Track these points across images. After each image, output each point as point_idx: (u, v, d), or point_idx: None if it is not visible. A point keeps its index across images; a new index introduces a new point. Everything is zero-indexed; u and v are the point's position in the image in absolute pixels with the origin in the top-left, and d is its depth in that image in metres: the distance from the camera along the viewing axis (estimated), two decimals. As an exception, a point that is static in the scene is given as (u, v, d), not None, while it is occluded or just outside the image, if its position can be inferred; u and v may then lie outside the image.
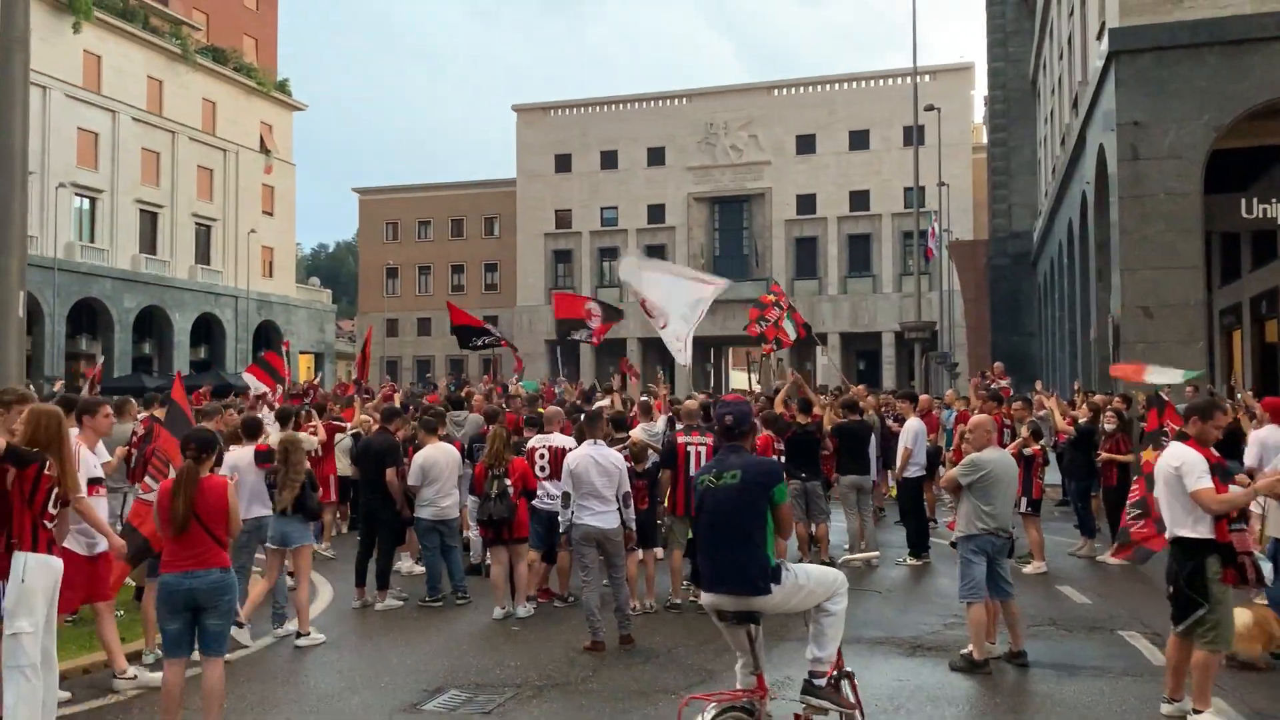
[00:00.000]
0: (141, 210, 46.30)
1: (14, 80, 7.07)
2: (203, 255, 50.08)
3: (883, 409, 14.02)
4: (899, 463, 11.30)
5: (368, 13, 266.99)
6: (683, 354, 12.01)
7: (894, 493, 13.32)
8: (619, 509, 7.91)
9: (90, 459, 6.74)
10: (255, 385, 15.33)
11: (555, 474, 8.96)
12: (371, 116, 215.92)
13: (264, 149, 53.77)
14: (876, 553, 9.57)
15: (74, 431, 7.65)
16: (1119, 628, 8.21)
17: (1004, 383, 17.37)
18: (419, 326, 68.13)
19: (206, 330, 50.55)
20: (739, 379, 58.07)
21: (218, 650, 5.54)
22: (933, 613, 8.87)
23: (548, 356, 60.64)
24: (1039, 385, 19.30)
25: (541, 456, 9.13)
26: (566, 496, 7.92)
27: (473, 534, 10.22)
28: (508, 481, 8.61)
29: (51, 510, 5.10)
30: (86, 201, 43.66)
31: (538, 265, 62.69)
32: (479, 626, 8.55)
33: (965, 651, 7.04)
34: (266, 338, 54.62)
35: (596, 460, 7.86)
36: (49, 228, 40.72)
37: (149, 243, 46.78)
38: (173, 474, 5.95)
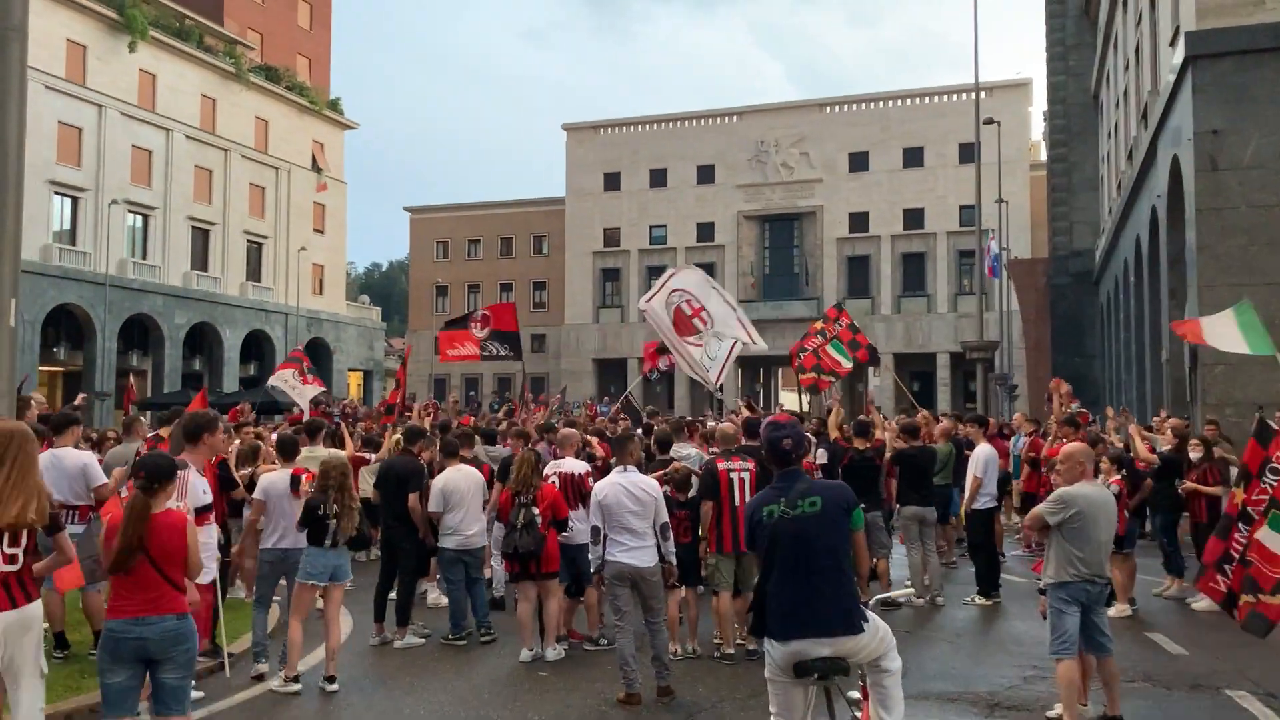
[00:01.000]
0: (194, 227, 46.61)
1: (9, 71, 6.53)
2: (253, 272, 50.30)
3: (957, 434, 12.91)
4: (968, 492, 10.32)
5: (419, 35, 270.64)
6: (711, 375, 11.58)
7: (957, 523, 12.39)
8: (656, 543, 7.09)
9: (198, 484, 6.02)
10: (284, 381, 14.82)
11: (570, 503, 8.31)
12: (425, 136, 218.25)
13: (315, 167, 54.04)
14: (911, 590, 8.67)
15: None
16: (1225, 685, 7.23)
17: (1073, 407, 16.29)
18: (467, 344, 67.99)
19: (256, 347, 50.73)
20: (788, 399, 56.99)
21: (178, 709, 4.79)
22: (1010, 663, 7.93)
23: (595, 375, 60.13)
24: (1110, 411, 18.19)
25: (554, 483, 8.42)
26: (596, 531, 7.11)
27: (495, 565, 9.51)
28: (536, 510, 7.85)
29: (6, 549, 4.45)
30: (139, 218, 44.01)
31: (586, 283, 62.30)
32: (504, 670, 7.81)
33: (1053, 714, 6.16)
34: (316, 355, 54.76)
35: (626, 489, 7.03)
36: (102, 244, 41.05)
37: (200, 259, 47.06)
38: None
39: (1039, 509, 6.12)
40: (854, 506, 4.49)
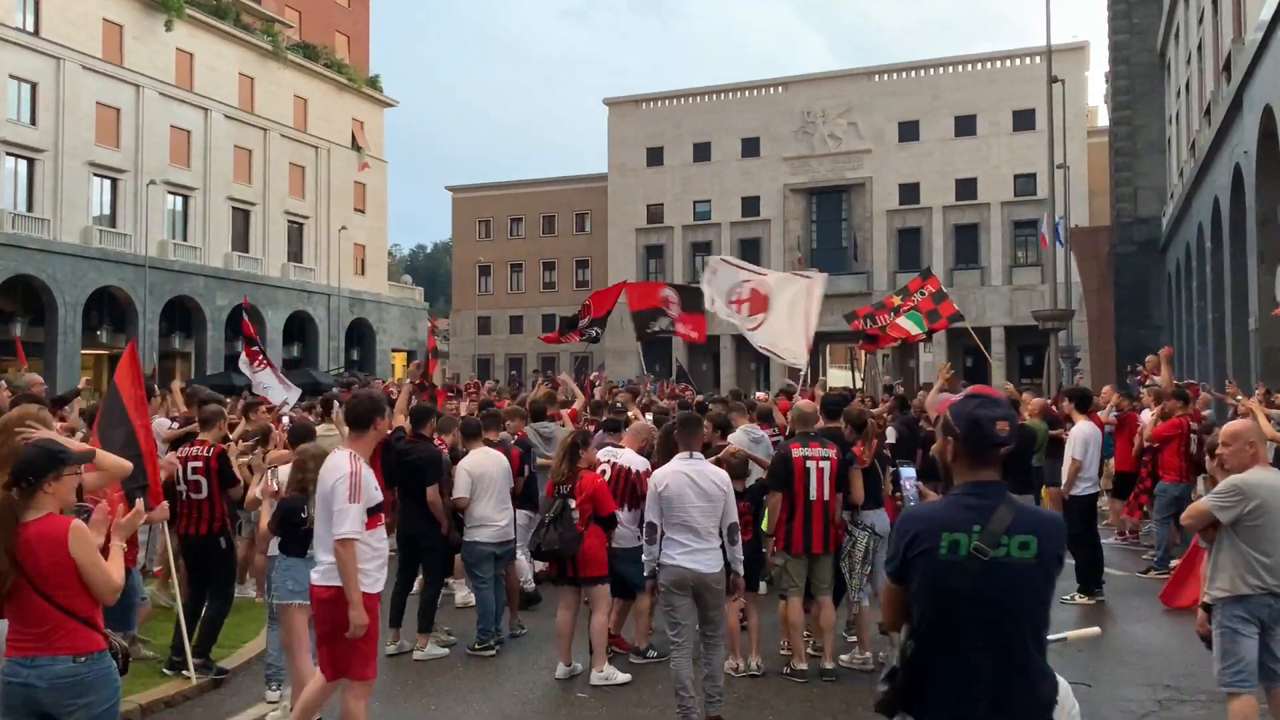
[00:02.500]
0: (234, 208, 46.15)
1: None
2: (295, 253, 49.81)
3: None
4: (1066, 476, 9.09)
5: (456, 12, 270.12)
6: (798, 355, 10.45)
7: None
8: (722, 545, 5.95)
9: (371, 480, 4.92)
10: (248, 373, 13.88)
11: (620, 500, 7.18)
12: (465, 116, 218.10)
13: (355, 145, 53.39)
14: (1096, 629, 7.26)
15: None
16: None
17: (1158, 378, 14.95)
18: (511, 324, 67.31)
19: (300, 328, 50.31)
20: (838, 377, 55.57)
21: None
22: (1137, 681, 6.72)
23: (640, 355, 59.11)
24: (1207, 387, 16.74)
25: (603, 473, 7.27)
26: (652, 528, 5.95)
27: (523, 559, 8.48)
28: (572, 503, 6.73)
29: None
30: (179, 200, 43.62)
31: (629, 261, 61.18)
32: (536, 691, 6.75)
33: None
34: (359, 336, 54.35)
35: (693, 479, 5.85)
36: (142, 226, 40.68)
37: (241, 240, 46.61)
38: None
39: (1204, 502, 4.88)
40: (1064, 554, 2.96)
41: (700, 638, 6.03)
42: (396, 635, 7.68)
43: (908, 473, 8.17)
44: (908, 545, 2.86)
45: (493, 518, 7.57)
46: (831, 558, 6.97)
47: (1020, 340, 54.15)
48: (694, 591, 5.88)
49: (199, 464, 7.05)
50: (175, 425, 9.48)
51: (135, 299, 40.29)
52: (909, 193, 55.74)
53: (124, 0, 40.39)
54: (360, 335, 54.63)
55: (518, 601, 8.37)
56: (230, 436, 8.31)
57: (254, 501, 6.92)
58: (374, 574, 4.89)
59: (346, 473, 4.76)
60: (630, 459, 7.45)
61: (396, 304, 57.44)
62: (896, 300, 12.76)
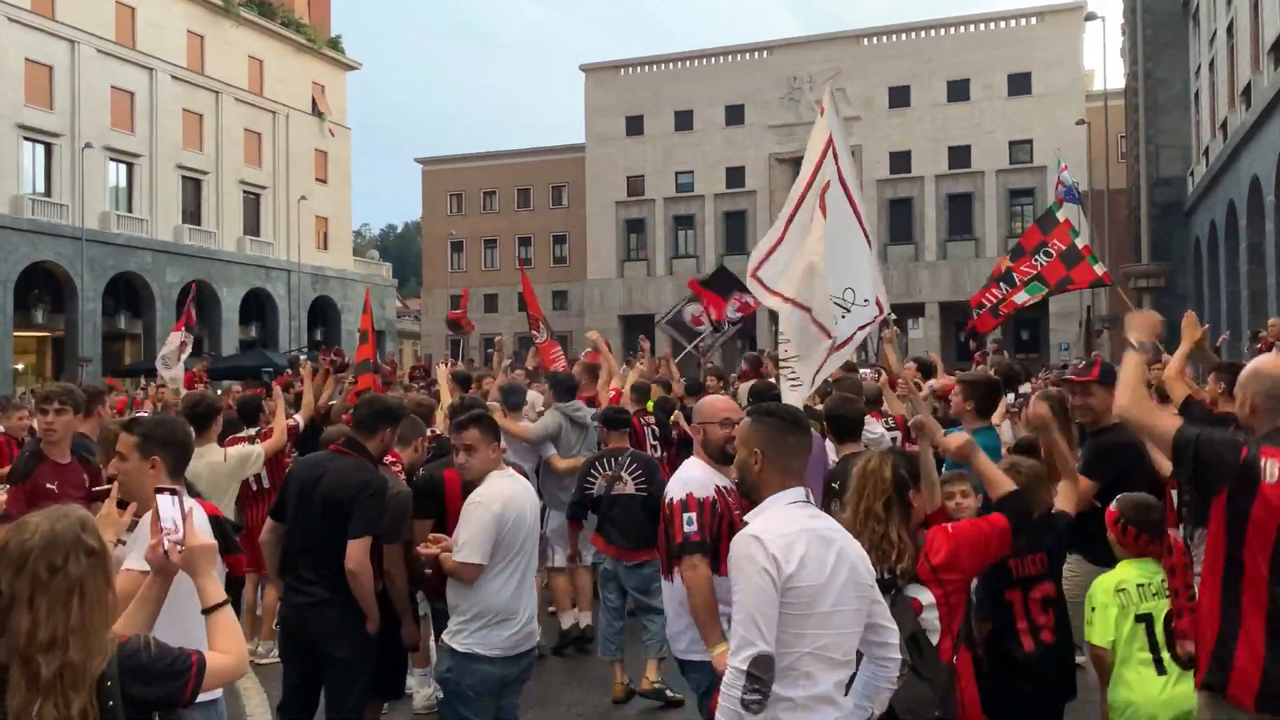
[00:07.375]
0: (184, 177, 42.64)
1: None
2: (251, 226, 46.34)
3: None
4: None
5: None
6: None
7: None
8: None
9: None
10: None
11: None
12: (434, 90, 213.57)
13: (316, 111, 49.88)
14: None
15: None
16: None
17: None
18: (485, 303, 64.06)
19: (258, 306, 46.91)
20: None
21: None
22: None
23: (622, 335, 56.26)
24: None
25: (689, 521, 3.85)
26: (768, 664, 2.62)
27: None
28: (926, 596, 3.23)
29: None
30: (123, 168, 40.05)
31: (609, 236, 58.31)
32: None
33: None
34: (323, 314, 51.04)
35: (851, 557, 2.81)
36: (79, 195, 37.09)
37: (193, 212, 43.11)
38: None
39: None
40: None
41: None
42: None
43: None
44: None
45: (514, 609, 4.08)
46: None
47: (1016, 314, 52.00)
48: None
49: None
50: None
51: (74, 275, 36.78)
52: (900, 161, 53.43)
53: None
54: (324, 314, 51.32)
55: None
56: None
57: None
58: None
59: None
60: (696, 474, 4.05)
61: (363, 280, 54.06)
62: (1006, 264, 9.46)
